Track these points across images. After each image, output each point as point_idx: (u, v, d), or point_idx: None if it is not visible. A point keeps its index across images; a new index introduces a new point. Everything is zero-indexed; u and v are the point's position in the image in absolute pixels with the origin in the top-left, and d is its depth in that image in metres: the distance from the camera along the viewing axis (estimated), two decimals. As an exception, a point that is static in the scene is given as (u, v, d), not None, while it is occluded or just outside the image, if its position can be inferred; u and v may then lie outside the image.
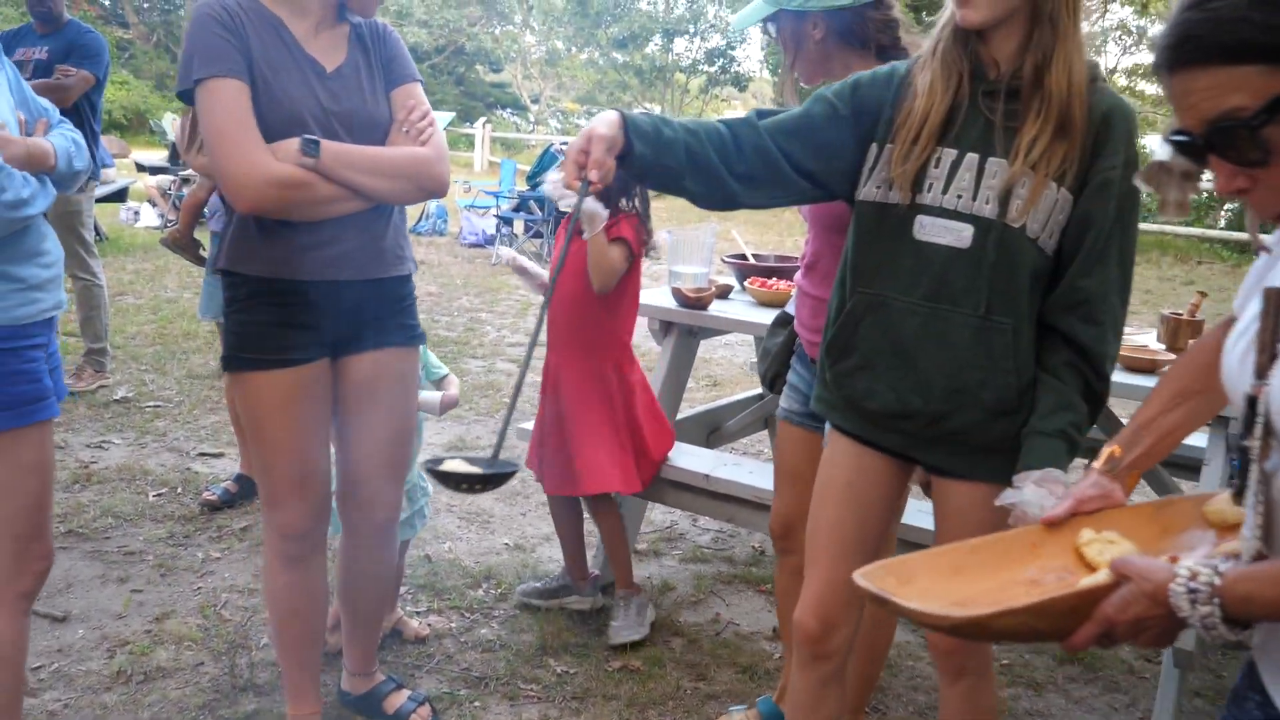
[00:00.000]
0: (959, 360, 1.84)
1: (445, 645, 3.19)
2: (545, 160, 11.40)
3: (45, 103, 2.31)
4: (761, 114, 1.91)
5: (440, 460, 1.85)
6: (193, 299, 8.27)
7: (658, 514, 4.30)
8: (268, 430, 2.34)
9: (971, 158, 1.81)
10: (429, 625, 3.28)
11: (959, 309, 1.83)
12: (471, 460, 1.84)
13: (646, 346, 7.50)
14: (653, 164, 1.76)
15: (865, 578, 1.28)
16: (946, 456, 1.92)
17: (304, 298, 2.29)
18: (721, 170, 1.82)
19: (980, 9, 1.74)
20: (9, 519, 2.16)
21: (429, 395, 3.00)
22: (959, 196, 1.81)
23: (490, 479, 1.84)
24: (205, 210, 4.12)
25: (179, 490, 4.32)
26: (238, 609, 3.33)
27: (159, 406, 5.45)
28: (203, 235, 4.26)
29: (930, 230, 1.83)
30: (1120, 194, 1.79)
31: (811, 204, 2.26)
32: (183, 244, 4.25)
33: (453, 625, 3.29)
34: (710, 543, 4.13)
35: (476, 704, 2.89)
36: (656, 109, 28.12)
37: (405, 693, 2.80)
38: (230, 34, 2.18)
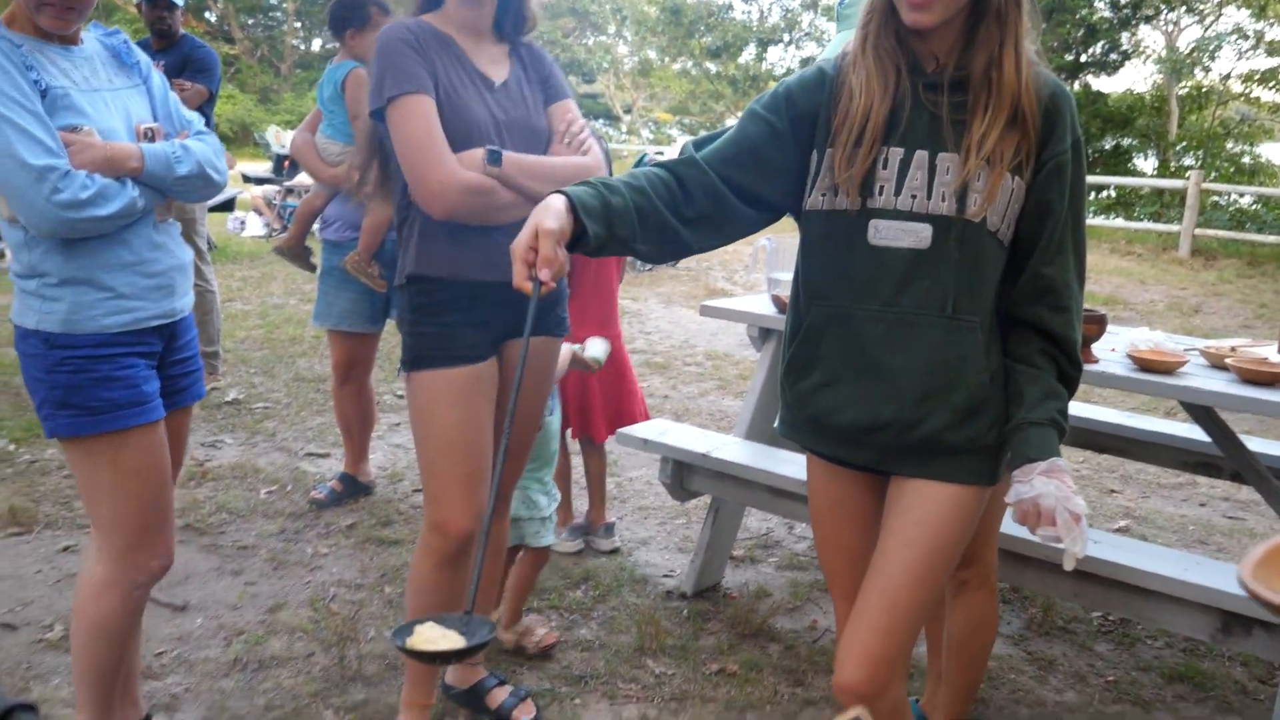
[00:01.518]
0: (928, 364, 1.79)
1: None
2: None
3: (191, 115, 2.42)
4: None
5: (409, 630, 1.59)
6: (298, 305, 8.54)
7: (754, 521, 4.31)
8: (441, 428, 2.42)
9: (921, 155, 1.75)
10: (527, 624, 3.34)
11: (924, 312, 1.78)
12: (444, 621, 1.61)
13: (741, 355, 7.52)
14: (606, 240, 1.68)
15: (1258, 583, 1.18)
16: (918, 464, 1.86)
17: (483, 297, 2.40)
18: (672, 223, 1.75)
19: (936, 12, 1.69)
20: (117, 518, 2.25)
21: (598, 344, 3.24)
22: (913, 197, 1.75)
23: (468, 651, 1.58)
24: (319, 219, 4.26)
25: (288, 488, 4.48)
26: (346, 602, 3.44)
27: (268, 408, 5.64)
28: (312, 243, 4.41)
29: (887, 234, 1.77)
30: (1072, 178, 1.76)
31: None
32: (294, 252, 4.40)
33: (552, 624, 3.35)
34: (807, 549, 4.12)
35: (576, 701, 2.94)
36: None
37: (507, 688, 2.86)
38: (417, 53, 2.31)
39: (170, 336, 2.35)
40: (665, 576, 3.79)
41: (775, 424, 2.04)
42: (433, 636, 1.57)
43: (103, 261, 2.18)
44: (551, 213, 1.61)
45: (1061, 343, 1.80)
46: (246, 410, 5.59)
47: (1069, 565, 1.74)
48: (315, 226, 4.34)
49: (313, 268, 4.44)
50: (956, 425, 1.81)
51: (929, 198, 1.75)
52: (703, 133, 1.90)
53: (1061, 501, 1.71)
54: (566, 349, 3.09)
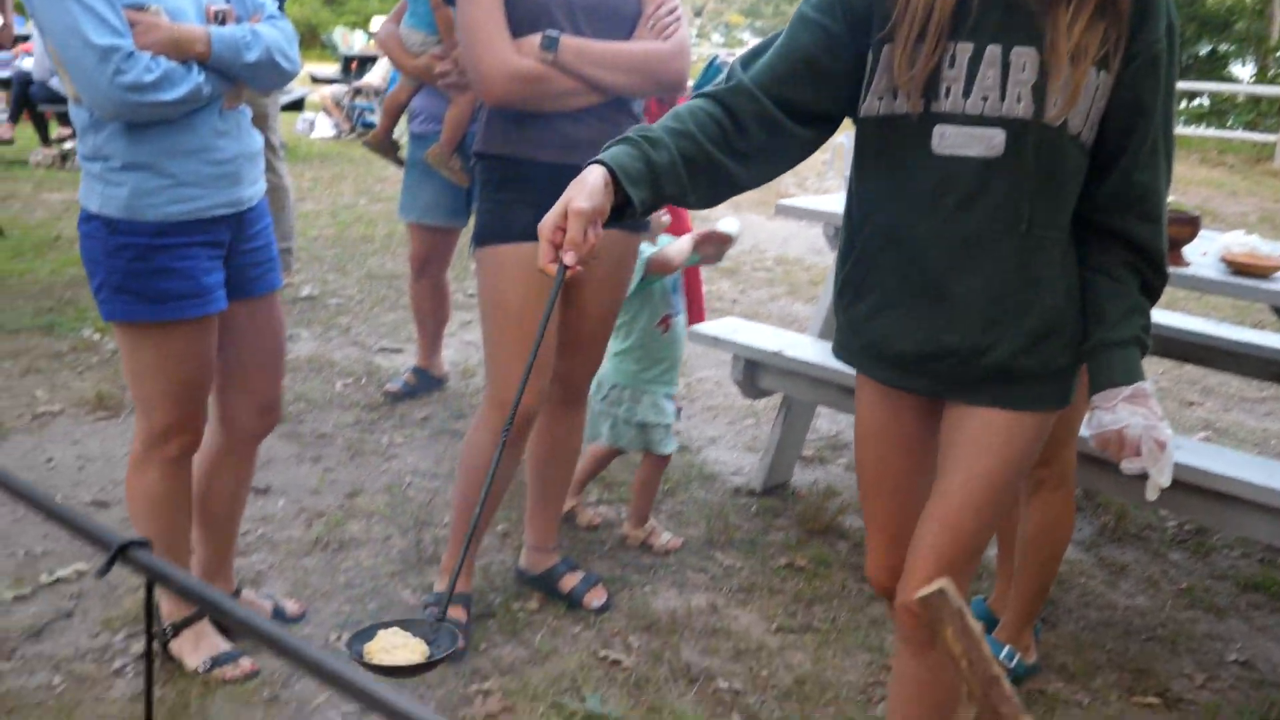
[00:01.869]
0: (998, 287, 1.64)
1: (616, 534, 3.30)
2: (710, 73, 11.25)
3: None
4: (747, 62, 1.67)
5: (370, 633, 1.37)
6: (368, 205, 8.60)
7: (824, 422, 4.30)
8: (506, 304, 2.45)
9: (993, 50, 1.54)
10: (599, 513, 3.40)
11: (995, 228, 1.61)
12: (409, 627, 1.38)
13: (812, 260, 7.44)
14: (653, 203, 1.55)
15: None
16: (983, 392, 1.71)
17: (544, 179, 2.37)
18: (724, 163, 1.60)
19: None
20: (155, 399, 2.31)
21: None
22: (984, 98, 1.56)
23: (428, 666, 1.37)
24: (407, 112, 4.23)
25: (363, 381, 4.56)
26: (422, 490, 3.52)
27: (341, 304, 5.72)
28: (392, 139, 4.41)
29: (953, 141, 1.59)
30: (1166, 71, 1.58)
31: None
32: (382, 145, 4.38)
33: (623, 516, 3.40)
34: (875, 453, 4.11)
35: (646, 589, 2.99)
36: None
37: (579, 574, 2.91)
38: None
39: (239, 226, 2.35)
40: (734, 474, 3.82)
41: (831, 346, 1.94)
42: (394, 644, 1.37)
43: (166, 147, 2.17)
44: (586, 190, 1.46)
45: (1149, 254, 1.66)
46: (321, 305, 5.68)
47: (1152, 495, 1.65)
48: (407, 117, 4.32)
49: (400, 162, 4.44)
50: (1027, 350, 1.67)
51: (1002, 99, 1.56)
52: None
53: (1148, 430, 1.60)
54: (688, 238, 3.08)
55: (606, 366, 3.17)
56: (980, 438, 1.73)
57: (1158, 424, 1.62)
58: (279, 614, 2.74)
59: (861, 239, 1.73)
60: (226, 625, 2.59)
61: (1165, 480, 1.63)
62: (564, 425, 2.85)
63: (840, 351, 1.89)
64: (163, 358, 2.28)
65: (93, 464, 3.61)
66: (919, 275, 1.67)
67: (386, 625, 1.37)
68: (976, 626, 1.11)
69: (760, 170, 1.66)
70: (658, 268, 2.97)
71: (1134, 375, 1.64)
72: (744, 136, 1.61)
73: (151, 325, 2.24)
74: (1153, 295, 1.70)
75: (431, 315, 4.42)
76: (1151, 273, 1.67)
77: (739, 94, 1.62)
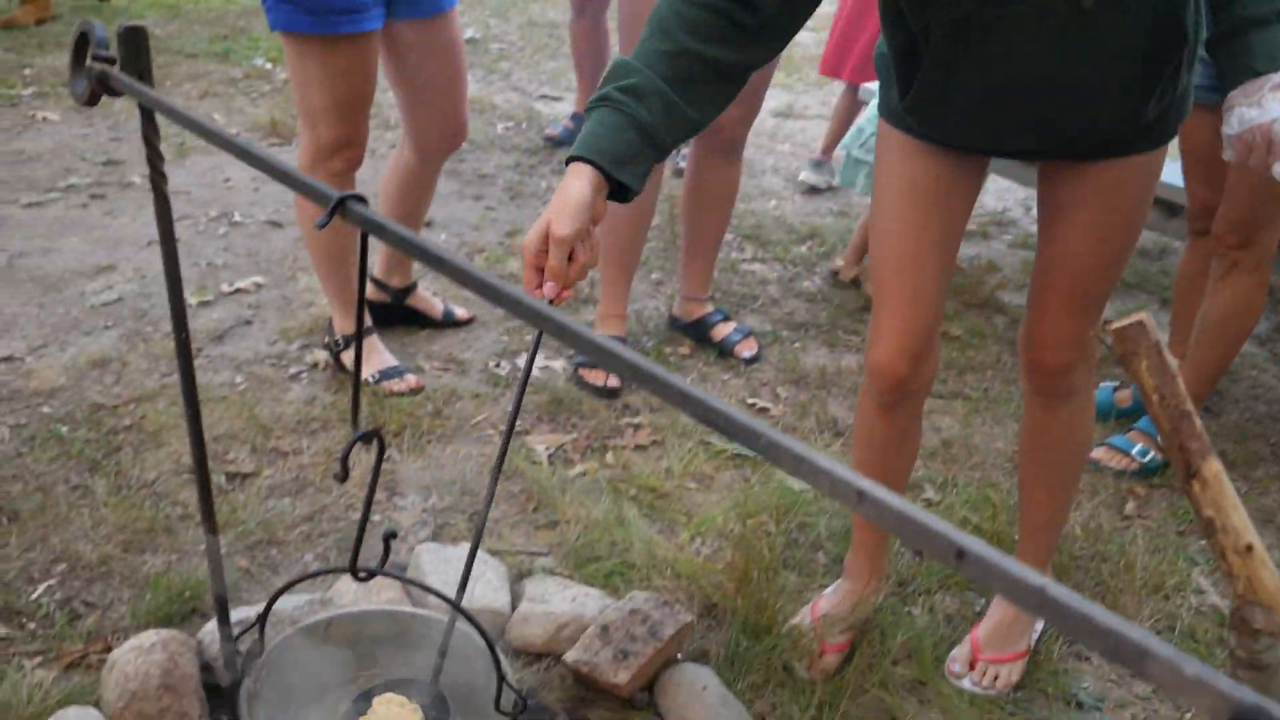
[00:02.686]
0: (1113, 71, 1.41)
1: (770, 290, 3.29)
2: None
3: None
4: None
5: (367, 701, 1.40)
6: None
7: (989, 199, 4.13)
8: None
9: None
10: (753, 271, 3.38)
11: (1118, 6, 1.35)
12: (411, 694, 1.39)
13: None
14: (653, 165, 1.35)
15: None
16: (1088, 151, 1.54)
17: None
18: (729, 59, 1.37)
19: None
20: (319, 112, 2.36)
21: None
22: None
23: None
24: None
25: (524, 125, 4.55)
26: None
27: (503, 49, 5.66)
28: None
29: None
30: None
31: None
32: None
33: (777, 274, 3.37)
34: (1044, 232, 3.94)
35: (797, 345, 2.99)
36: None
37: (732, 324, 2.93)
38: None
39: None
40: (893, 242, 3.72)
41: (886, 111, 1.67)
42: (389, 715, 1.36)
43: None
44: (569, 210, 1.26)
45: None
46: (483, 49, 5.62)
47: None
48: None
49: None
50: (1146, 108, 1.48)
51: None
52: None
53: None
54: None
55: (866, 113, 3.08)
56: (1096, 195, 1.59)
57: None
58: (449, 316, 2.94)
59: (927, 33, 1.45)
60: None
61: None
62: (718, 176, 2.80)
63: (889, 115, 1.65)
64: (326, 72, 2.33)
65: (267, 185, 3.74)
66: (1008, 78, 1.45)
67: (383, 692, 1.37)
68: (1172, 362, 1.06)
69: (774, 40, 1.43)
70: None
71: None
72: (754, 11, 1.36)
73: (313, 38, 2.28)
74: None
75: (590, 57, 4.32)
76: None
77: None
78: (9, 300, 2.91)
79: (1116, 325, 1.07)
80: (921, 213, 1.65)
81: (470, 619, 1.16)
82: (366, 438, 1.03)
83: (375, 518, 2.18)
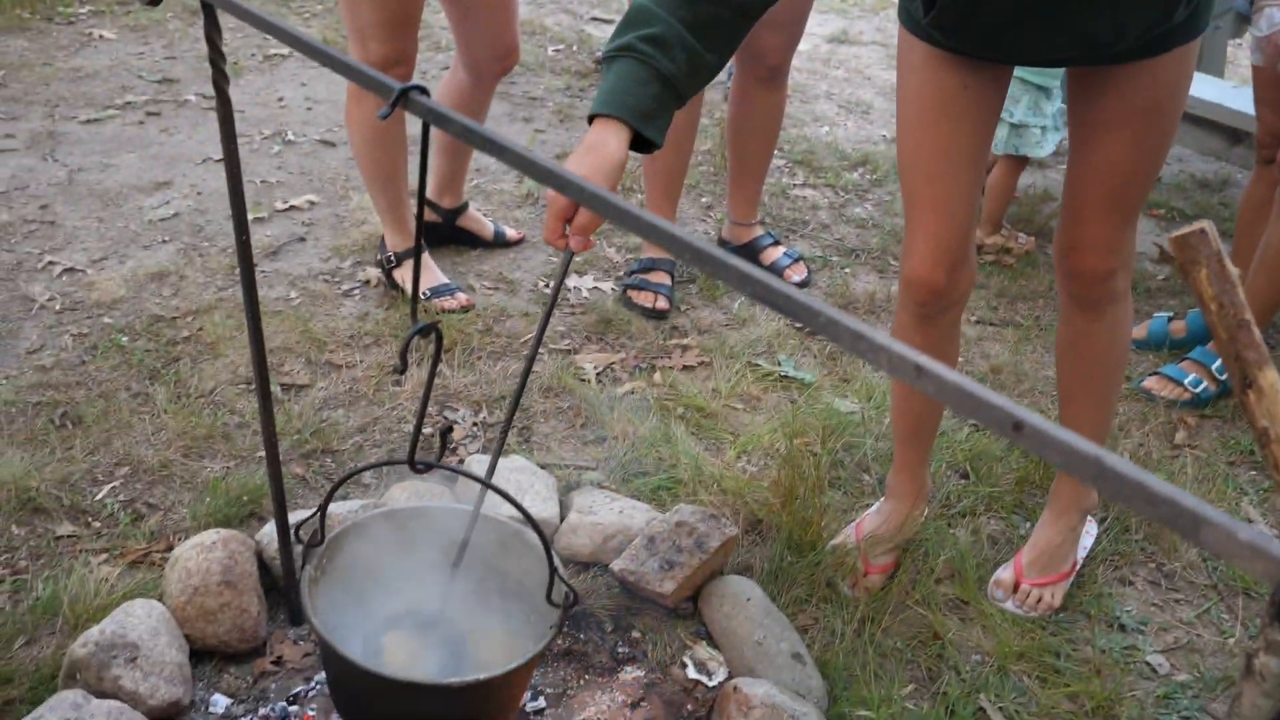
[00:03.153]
0: None
1: (820, 216, 3.26)
2: None
3: None
4: None
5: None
6: None
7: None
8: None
9: None
10: (804, 196, 3.35)
11: None
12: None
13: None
14: (676, 114, 1.34)
15: None
16: (1121, 55, 1.51)
17: None
18: None
19: None
20: (370, 27, 2.35)
21: None
22: None
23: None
24: None
25: (574, 48, 4.51)
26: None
27: (554, -29, 5.59)
28: None
29: None
30: None
31: None
32: None
33: (828, 200, 3.34)
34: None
35: (847, 270, 2.97)
36: None
37: (782, 249, 2.92)
38: None
39: None
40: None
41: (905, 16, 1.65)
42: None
43: None
44: (605, 169, 1.26)
45: None
46: (533, -29, 5.56)
47: None
48: None
49: None
50: (1177, 8, 1.46)
51: None
52: None
53: None
54: None
55: None
56: (1128, 96, 1.57)
57: None
58: (499, 236, 2.95)
59: None
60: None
61: None
62: (763, 103, 2.76)
63: (909, 22, 1.62)
64: None
65: (320, 105, 3.76)
66: None
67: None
68: (1233, 271, 1.05)
69: None
70: None
71: None
72: None
73: None
74: None
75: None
76: None
77: None
78: (70, 214, 2.96)
79: (1177, 234, 1.05)
80: (951, 123, 1.64)
81: (508, 498, 1.18)
82: (425, 330, 1.05)
83: (427, 429, 2.22)
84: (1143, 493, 0.50)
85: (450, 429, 1.14)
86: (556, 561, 1.23)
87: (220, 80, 1.30)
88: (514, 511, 1.24)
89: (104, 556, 1.85)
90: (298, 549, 1.52)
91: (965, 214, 1.68)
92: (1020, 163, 3.04)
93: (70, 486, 1.99)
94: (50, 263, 2.72)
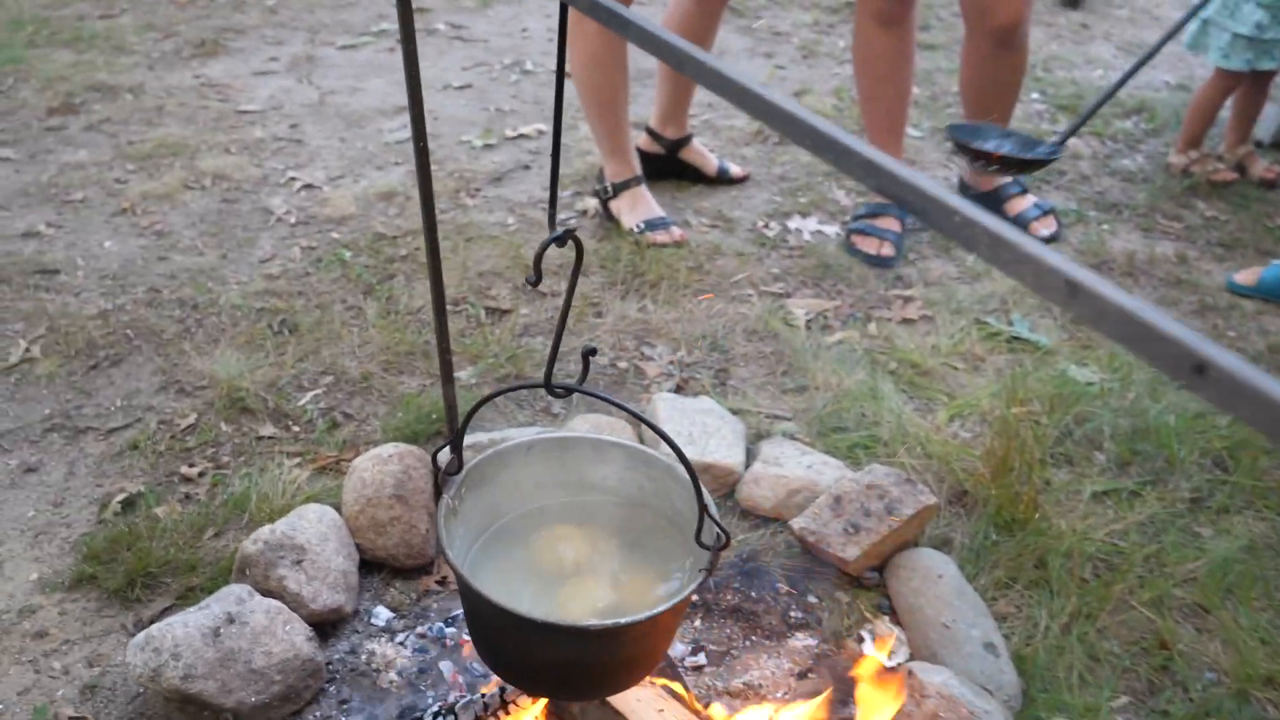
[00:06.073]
0: None
1: (1081, 166, 2.94)
2: None
3: None
4: None
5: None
6: None
7: None
8: None
9: None
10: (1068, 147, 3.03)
11: None
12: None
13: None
14: None
15: None
16: None
17: None
18: None
19: None
20: None
21: None
22: None
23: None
24: None
25: (828, -17, 4.29)
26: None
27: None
28: None
29: None
30: None
31: None
32: None
33: (1092, 149, 3.00)
34: None
35: (1104, 227, 2.66)
36: None
37: (1031, 199, 2.64)
38: None
39: None
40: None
41: None
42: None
43: None
44: None
45: None
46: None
47: None
48: None
49: None
50: None
51: None
52: None
53: None
54: None
55: None
56: None
57: None
58: (723, 172, 2.84)
59: None
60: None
61: None
62: (995, 64, 2.42)
63: None
64: None
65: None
66: None
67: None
68: None
69: None
70: None
71: None
72: None
73: None
74: None
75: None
76: None
77: None
78: (316, 133, 3.07)
79: None
80: None
81: (653, 427, 1.06)
82: (560, 240, 0.95)
83: (621, 364, 2.15)
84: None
85: (594, 351, 1.04)
86: (708, 498, 1.11)
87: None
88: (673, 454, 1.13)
89: (297, 460, 1.89)
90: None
91: None
92: (1236, 79, 2.68)
93: (277, 390, 2.05)
94: (292, 178, 2.82)
